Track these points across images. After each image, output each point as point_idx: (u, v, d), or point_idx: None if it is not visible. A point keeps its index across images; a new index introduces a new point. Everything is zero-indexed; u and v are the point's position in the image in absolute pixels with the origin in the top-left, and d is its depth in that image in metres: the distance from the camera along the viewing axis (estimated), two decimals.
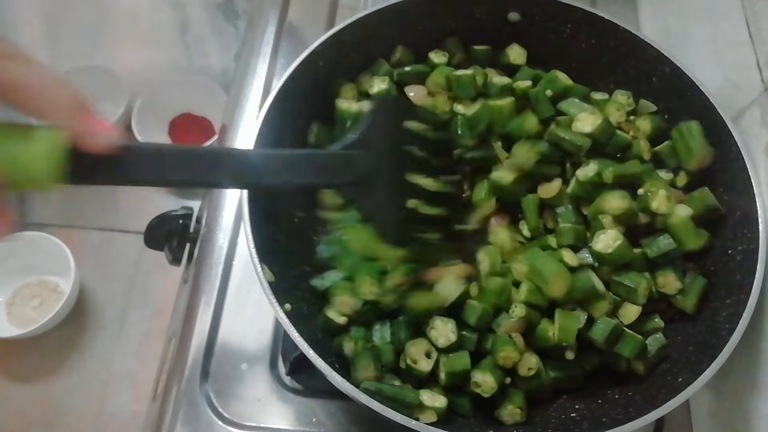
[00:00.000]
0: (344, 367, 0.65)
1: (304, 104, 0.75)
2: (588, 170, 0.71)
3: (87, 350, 1.44)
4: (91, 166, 0.46)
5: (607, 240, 0.67)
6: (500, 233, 0.72)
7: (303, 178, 0.58)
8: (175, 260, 0.86)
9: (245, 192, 0.64)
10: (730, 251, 0.67)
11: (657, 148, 0.75)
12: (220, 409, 0.72)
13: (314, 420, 0.72)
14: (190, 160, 0.53)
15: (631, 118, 0.77)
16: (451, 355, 0.65)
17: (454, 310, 0.67)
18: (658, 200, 0.67)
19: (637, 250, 0.68)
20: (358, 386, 0.58)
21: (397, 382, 0.65)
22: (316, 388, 0.73)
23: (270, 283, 0.60)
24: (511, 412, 0.65)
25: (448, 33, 0.82)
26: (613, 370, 0.68)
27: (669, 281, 0.67)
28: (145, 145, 0.51)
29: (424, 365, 0.64)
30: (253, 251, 0.62)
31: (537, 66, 0.83)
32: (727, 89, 0.73)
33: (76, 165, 0.45)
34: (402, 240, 0.65)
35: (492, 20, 0.81)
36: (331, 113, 0.78)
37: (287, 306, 0.61)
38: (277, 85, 0.70)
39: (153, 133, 1.55)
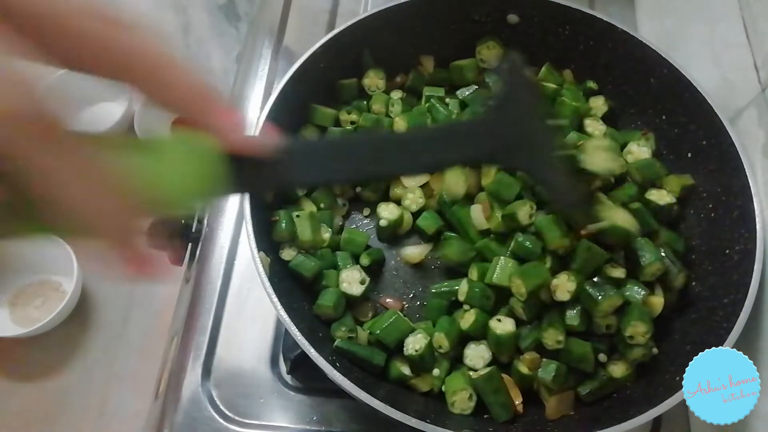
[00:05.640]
0: (345, 365, 0.66)
1: (304, 106, 0.76)
2: None
3: (89, 349, 1.44)
4: (249, 172, 0.39)
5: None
6: None
7: (453, 154, 0.50)
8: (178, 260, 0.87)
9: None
10: (727, 251, 0.68)
11: None
12: (221, 408, 0.73)
13: (315, 418, 0.72)
14: (356, 151, 0.46)
15: None
16: None
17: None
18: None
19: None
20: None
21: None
22: (317, 387, 0.74)
23: (271, 282, 0.61)
24: (553, 335, 0.65)
25: (448, 35, 0.83)
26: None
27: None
28: (307, 141, 0.46)
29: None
30: (255, 250, 0.62)
31: (536, 67, 0.84)
32: (725, 90, 0.73)
33: (233, 174, 0.38)
34: (580, 199, 0.64)
35: (491, 22, 0.82)
36: None
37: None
38: (278, 86, 0.71)
39: (155, 133, 1.56)
